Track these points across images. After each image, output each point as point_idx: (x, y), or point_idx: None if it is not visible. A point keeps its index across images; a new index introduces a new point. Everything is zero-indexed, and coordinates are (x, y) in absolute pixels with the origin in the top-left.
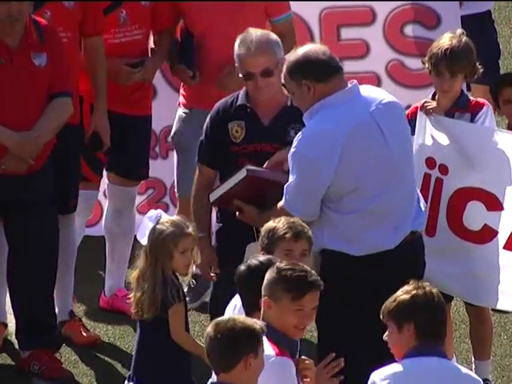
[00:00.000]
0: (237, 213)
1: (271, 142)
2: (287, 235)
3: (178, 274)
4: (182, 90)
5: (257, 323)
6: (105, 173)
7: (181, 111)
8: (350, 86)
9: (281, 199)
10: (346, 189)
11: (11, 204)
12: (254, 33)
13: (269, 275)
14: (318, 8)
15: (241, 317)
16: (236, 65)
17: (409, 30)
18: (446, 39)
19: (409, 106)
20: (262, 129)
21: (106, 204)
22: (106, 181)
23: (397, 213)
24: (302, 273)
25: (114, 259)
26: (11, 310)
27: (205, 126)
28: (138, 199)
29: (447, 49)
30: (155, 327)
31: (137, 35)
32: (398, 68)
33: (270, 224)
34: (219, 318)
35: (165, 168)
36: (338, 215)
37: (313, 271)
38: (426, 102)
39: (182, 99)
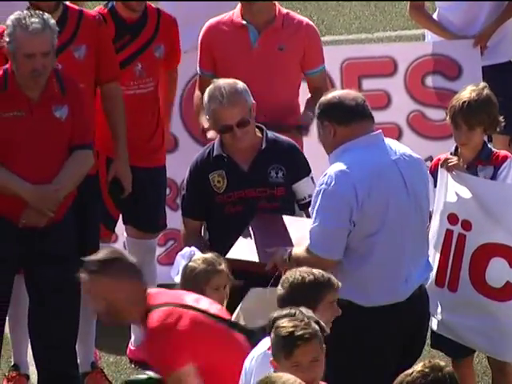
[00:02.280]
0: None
1: (254, 187)
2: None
3: None
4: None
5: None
6: (123, 226)
7: None
8: (375, 133)
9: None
10: (368, 230)
11: (32, 256)
12: (222, 84)
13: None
14: (340, 58)
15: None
16: (207, 118)
17: (430, 80)
18: (466, 92)
19: (429, 157)
20: (243, 175)
21: None
22: (125, 234)
23: (408, 265)
24: (291, 328)
25: None
26: (33, 361)
27: (185, 180)
28: (158, 251)
29: (465, 101)
30: None
31: (150, 87)
32: (419, 119)
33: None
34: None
35: None
36: (352, 265)
37: (310, 320)
38: (447, 159)
39: None
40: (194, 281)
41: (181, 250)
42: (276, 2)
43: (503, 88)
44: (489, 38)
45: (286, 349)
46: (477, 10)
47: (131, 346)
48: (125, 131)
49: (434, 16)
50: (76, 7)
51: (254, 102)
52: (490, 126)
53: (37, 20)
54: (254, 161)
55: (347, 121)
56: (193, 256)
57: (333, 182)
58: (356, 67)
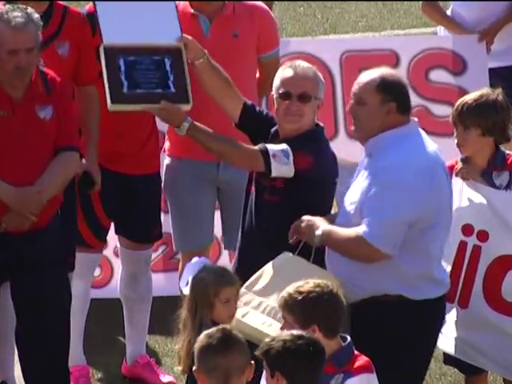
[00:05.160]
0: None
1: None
2: None
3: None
4: (167, 136)
5: None
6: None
7: (168, 160)
8: (413, 121)
9: None
10: (426, 223)
11: (16, 264)
12: (304, 63)
13: None
14: (339, 51)
15: None
16: (274, 86)
17: (434, 75)
18: (473, 93)
19: None
20: None
21: (116, 264)
22: (118, 244)
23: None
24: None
25: (133, 325)
26: (22, 377)
27: None
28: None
29: (465, 101)
30: (192, 379)
31: None
32: (422, 114)
33: None
34: None
35: None
36: (405, 260)
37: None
38: (462, 168)
39: (168, 146)
40: (203, 292)
41: (173, 255)
42: None
43: None
44: (495, 35)
45: None
46: (491, 9)
47: (125, 363)
48: (98, 133)
49: (448, 13)
50: (62, 2)
51: (322, 98)
52: (489, 131)
53: (20, 14)
54: None
55: (405, 111)
56: (202, 266)
57: (403, 173)
58: (356, 60)
